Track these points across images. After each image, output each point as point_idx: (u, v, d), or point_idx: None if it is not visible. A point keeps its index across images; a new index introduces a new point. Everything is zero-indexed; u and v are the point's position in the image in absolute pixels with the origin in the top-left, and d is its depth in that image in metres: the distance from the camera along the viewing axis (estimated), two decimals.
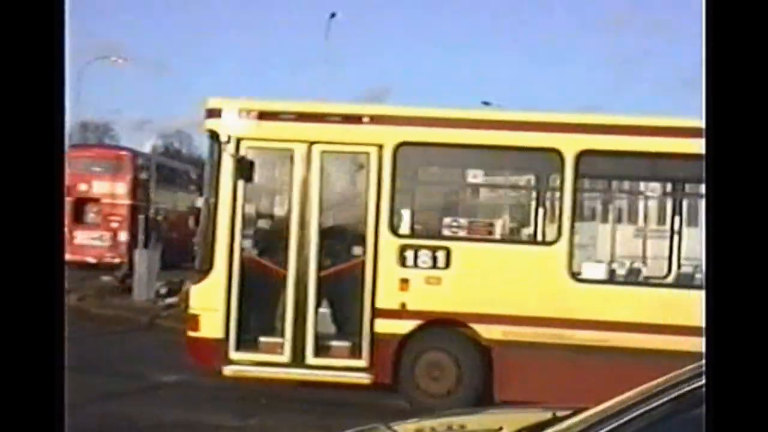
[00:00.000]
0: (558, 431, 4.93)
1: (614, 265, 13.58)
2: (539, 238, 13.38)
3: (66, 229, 29.38)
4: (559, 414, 5.19)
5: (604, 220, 13.43)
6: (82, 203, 34.01)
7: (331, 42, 56.10)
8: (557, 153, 12.68)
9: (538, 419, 5.28)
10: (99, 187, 34.41)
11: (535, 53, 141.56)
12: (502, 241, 13.43)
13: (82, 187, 33.79)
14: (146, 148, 43.64)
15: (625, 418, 4.41)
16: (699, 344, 9.34)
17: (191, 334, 13.24)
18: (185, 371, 14.01)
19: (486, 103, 45.73)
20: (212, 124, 13.42)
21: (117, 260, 31.89)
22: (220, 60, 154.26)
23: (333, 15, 48.76)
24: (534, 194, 14.01)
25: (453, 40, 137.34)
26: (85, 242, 33.18)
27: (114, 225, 33.94)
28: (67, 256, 32.37)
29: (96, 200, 34.43)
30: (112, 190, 34.32)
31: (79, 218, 33.71)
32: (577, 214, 12.87)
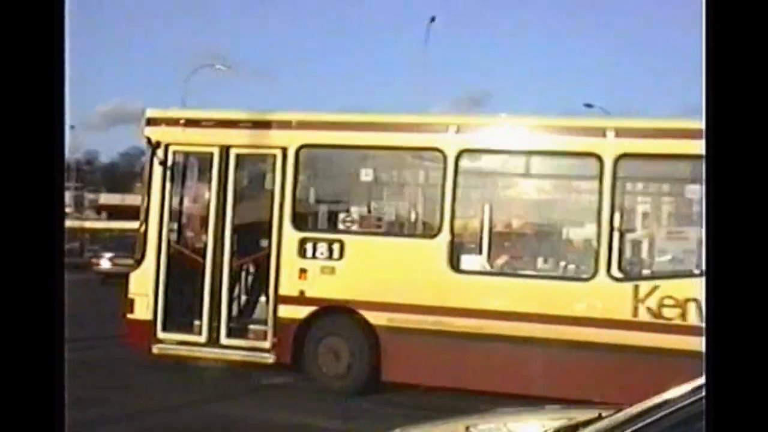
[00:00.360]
0: (596, 429, 5.06)
1: (493, 258, 14.43)
2: (423, 231, 14.44)
3: None
4: (604, 414, 5.30)
5: (484, 215, 13.98)
6: None
7: (431, 46, 56.20)
8: (441, 152, 13.85)
9: (577, 418, 5.46)
10: None
11: (640, 54, 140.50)
12: (390, 234, 14.54)
13: None
14: None
15: (654, 417, 4.59)
16: (573, 333, 10.91)
17: (129, 316, 15.17)
18: (291, 374, 14.59)
19: (588, 106, 45.50)
20: (148, 131, 15.41)
21: None
22: (320, 66, 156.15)
23: (432, 19, 48.23)
24: (420, 191, 15.08)
25: (555, 41, 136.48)
26: None
27: None
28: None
29: None
30: None
31: None
32: (457, 210, 13.85)
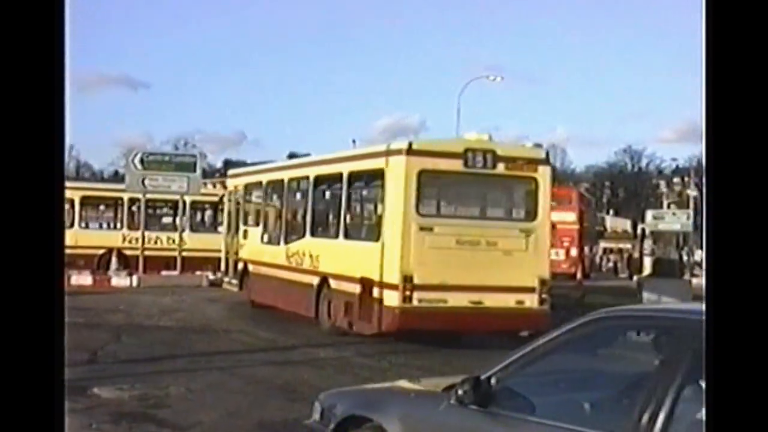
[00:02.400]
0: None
1: (283, 236, 24.37)
2: (256, 223, 26.54)
3: None
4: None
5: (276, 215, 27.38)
6: None
7: None
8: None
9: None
10: (554, 216, 46.06)
11: None
12: (252, 225, 26.61)
13: None
14: None
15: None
16: (286, 273, 23.76)
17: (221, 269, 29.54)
18: None
19: None
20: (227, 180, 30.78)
21: (572, 270, 44.93)
22: (598, 72, 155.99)
23: None
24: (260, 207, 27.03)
25: None
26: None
27: (566, 244, 47.42)
28: None
29: (553, 226, 44.32)
30: (564, 218, 46.53)
31: None
32: (266, 213, 26.20)
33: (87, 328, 18.15)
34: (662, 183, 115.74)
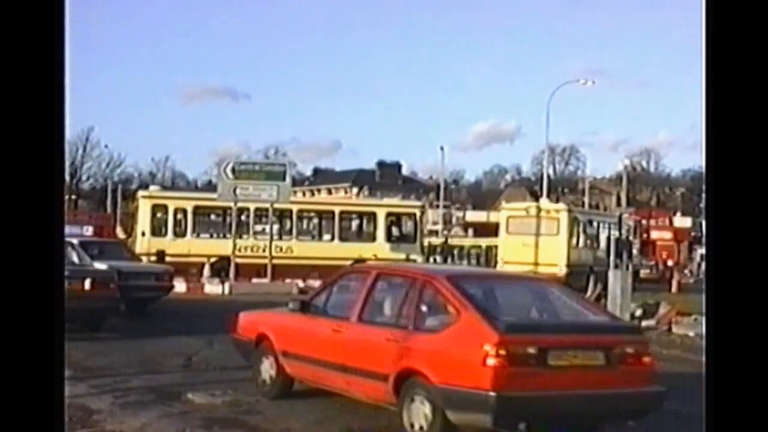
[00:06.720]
0: None
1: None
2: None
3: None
4: None
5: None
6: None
7: None
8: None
9: None
10: (654, 234, 60.15)
11: None
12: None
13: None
14: (618, 168, 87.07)
15: None
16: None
17: None
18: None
19: None
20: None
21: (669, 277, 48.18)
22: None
23: None
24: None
25: None
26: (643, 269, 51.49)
27: (664, 257, 56.47)
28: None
29: (653, 243, 58.90)
30: (662, 236, 60.25)
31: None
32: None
33: (181, 335, 18.39)
34: None
